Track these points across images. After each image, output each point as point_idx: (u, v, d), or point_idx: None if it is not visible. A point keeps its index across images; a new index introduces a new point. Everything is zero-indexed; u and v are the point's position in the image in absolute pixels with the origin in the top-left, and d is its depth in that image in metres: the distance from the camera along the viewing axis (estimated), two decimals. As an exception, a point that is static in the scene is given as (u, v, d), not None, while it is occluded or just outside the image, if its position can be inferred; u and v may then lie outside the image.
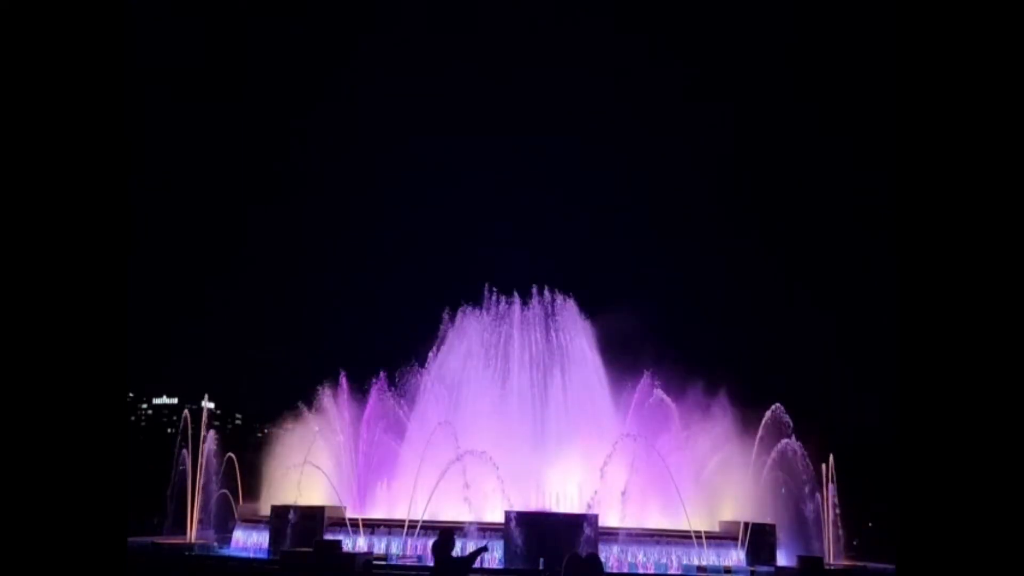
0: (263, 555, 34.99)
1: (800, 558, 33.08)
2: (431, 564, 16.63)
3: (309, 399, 43.48)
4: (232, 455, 43.71)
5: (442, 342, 46.43)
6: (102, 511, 7.99)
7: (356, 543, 33.69)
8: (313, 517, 34.46)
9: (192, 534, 40.57)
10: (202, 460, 42.11)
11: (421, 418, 42.63)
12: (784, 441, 38.63)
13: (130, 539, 32.44)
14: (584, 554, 15.09)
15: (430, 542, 33.22)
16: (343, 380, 43.01)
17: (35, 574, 7.73)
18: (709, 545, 34.98)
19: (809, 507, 39.95)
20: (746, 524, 36.25)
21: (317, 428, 42.23)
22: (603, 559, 19.66)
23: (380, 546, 33.72)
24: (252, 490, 43.08)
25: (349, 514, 35.81)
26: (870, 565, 37.76)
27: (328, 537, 32.65)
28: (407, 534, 33.46)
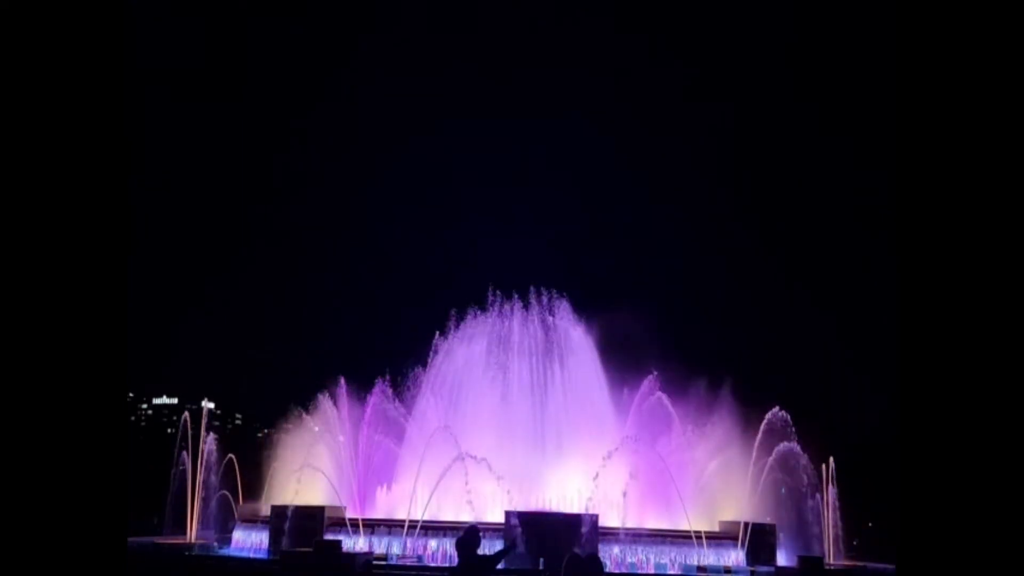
0: (263, 555, 34.99)
1: (800, 558, 33.09)
2: (431, 563, 16.56)
3: (308, 403, 43.49)
4: (232, 456, 43.72)
5: (441, 345, 46.47)
6: (102, 511, 7.99)
7: (356, 543, 33.68)
8: (313, 517, 34.43)
9: (192, 534, 40.58)
10: (202, 461, 42.13)
11: (421, 420, 42.65)
12: (784, 444, 38.62)
13: (130, 539, 32.43)
14: (584, 554, 15.09)
15: (430, 542, 33.61)
16: (342, 385, 42.99)
17: (36, 574, 7.73)
18: (709, 545, 34.99)
19: (809, 508, 39.96)
20: (746, 524, 36.25)
21: (317, 428, 42.24)
22: (603, 559, 19.68)
23: (380, 546, 33.71)
24: (252, 490, 43.08)
25: (349, 514, 35.80)
26: (870, 565, 37.77)
27: (328, 537, 32.63)
28: (407, 534, 33.45)
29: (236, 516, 40.75)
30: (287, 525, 34.06)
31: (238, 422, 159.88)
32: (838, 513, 41.87)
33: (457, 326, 47.18)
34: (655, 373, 42.42)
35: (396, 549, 33.35)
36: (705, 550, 34.71)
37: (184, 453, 42.08)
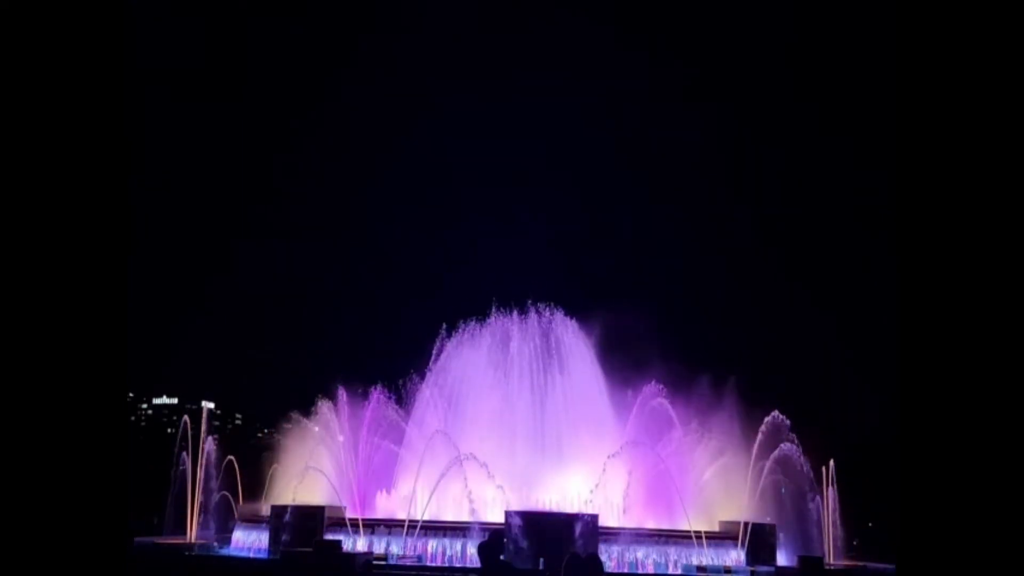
0: (263, 555, 35.00)
1: (800, 558, 33.09)
2: (431, 563, 16.50)
3: (309, 408, 43.57)
4: (232, 458, 43.76)
5: (441, 351, 46.54)
6: (103, 511, 7.99)
7: (356, 543, 33.69)
8: (313, 517, 34.44)
9: (192, 534, 40.59)
10: (202, 462, 42.15)
11: (420, 424, 42.75)
12: (783, 445, 38.59)
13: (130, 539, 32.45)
14: (584, 554, 15.10)
15: (430, 542, 33.65)
16: (342, 393, 43.01)
17: (37, 574, 7.73)
18: (709, 545, 35.00)
19: (809, 508, 39.96)
20: (746, 524, 36.26)
21: (316, 428, 42.31)
22: (603, 559, 19.69)
23: (380, 546, 33.71)
24: (252, 491, 43.11)
25: (348, 514, 35.82)
26: (870, 565, 37.76)
27: (328, 537, 32.64)
28: (407, 534, 33.46)
29: (236, 516, 40.77)
30: (287, 525, 34.07)
31: (238, 422, 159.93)
32: (838, 513, 41.86)
33: (458, 332, 47.25)
34: (656, 383, 42.31)
35: (396, 549, 33.36)
36: (705, 550, 34.72)
37: (184, 454, 42.10)
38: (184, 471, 41.73)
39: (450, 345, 46.68)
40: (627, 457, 36.84)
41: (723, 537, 36.56)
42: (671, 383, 42.41)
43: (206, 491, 41.89)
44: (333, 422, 42.30)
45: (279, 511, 35.03)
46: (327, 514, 35.00)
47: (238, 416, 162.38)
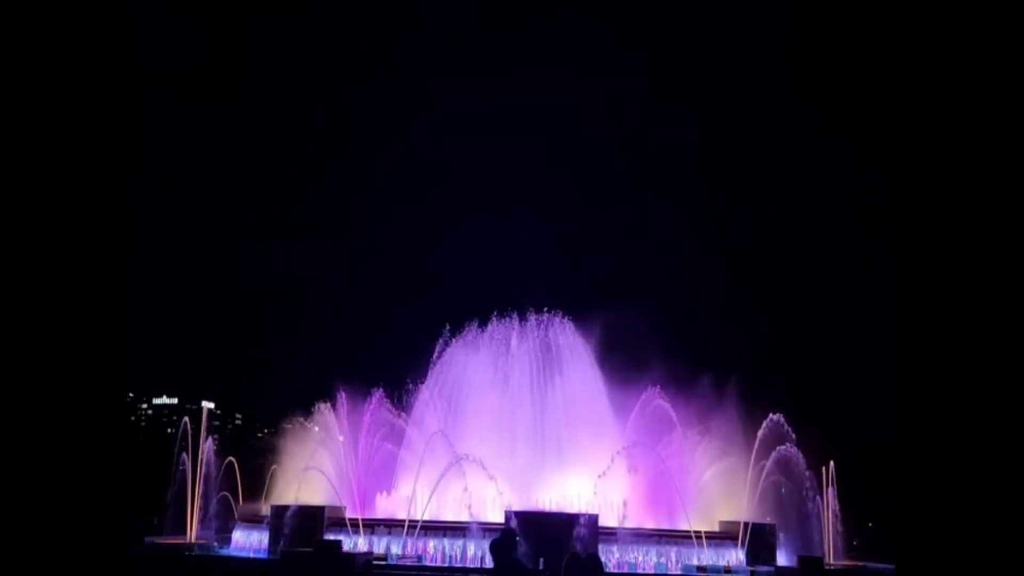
0: (263, 555, 35.00)
1: (800, 558, 33.11)
2: (431, 563, 16.47)
3: (309, 410, 43.61)
4: (232, 459, 43.79)
5: (443, 352, 46.59)
6: (102, 511, 7.99)
7: (356, 543, 33.69)
8: (313, 517, 34.44)
9: (192, 534, 40.60)
10: (201, 462, 42.17)
11: (421, 424, 42.80)
12: (782, 447, 38.60)
13: (130, 539, 32.45)
14: (584, 554, 15.09)
15: (430, 542, 33.64)
16: (342, 397, 43.03)
17: (36, 574, 7.73)
18: (709, 545, 35.01)
19: (809, 508, 39.97)
20: (746, 524, 36.27)
21: (316, 428, 42.36)
22: (603, 559, 19.69)
23: (380, 546, 33.72)
24: (252, 491, 43.13)
25: (348, 514, 35.82)
26: (870, 565, 37.77)
27: (328, 537, 32.64)
28: (407, 534, 33.47)
29: (236, 516, 40.78)
30: (287, 525, 34.08)
31: (238, 422, 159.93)
32: (838, 513, 41.87)
33: (460, 334, 47.32)
34: (657, 387, 42.29)
35: (396, 549, 33.37)
36: (705, 550, 34.73)
37: (184, 454, 42.12)
38: (184, 471, 41.76)
39: (451, 346, 46.76)
40: (625, 466, 36.90)
41: (723, 537, 36.57)
42: (671, 383, 42.44)
43: (206, 491, 41.92)
44: (333, 425, 42.35)
45: (279, 511, 35.05)
46: (327, 514, 35.01)
47: (238, 416, 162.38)
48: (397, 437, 43.34)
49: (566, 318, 47.29)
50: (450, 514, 35.54)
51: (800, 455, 38.49)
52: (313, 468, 37.47)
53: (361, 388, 43.77)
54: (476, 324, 47.41)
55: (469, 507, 33.58)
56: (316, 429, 42.38)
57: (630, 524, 35.02)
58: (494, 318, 47.53)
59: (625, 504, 35.06)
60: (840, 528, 41.92)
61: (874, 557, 40.27)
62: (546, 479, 41.02)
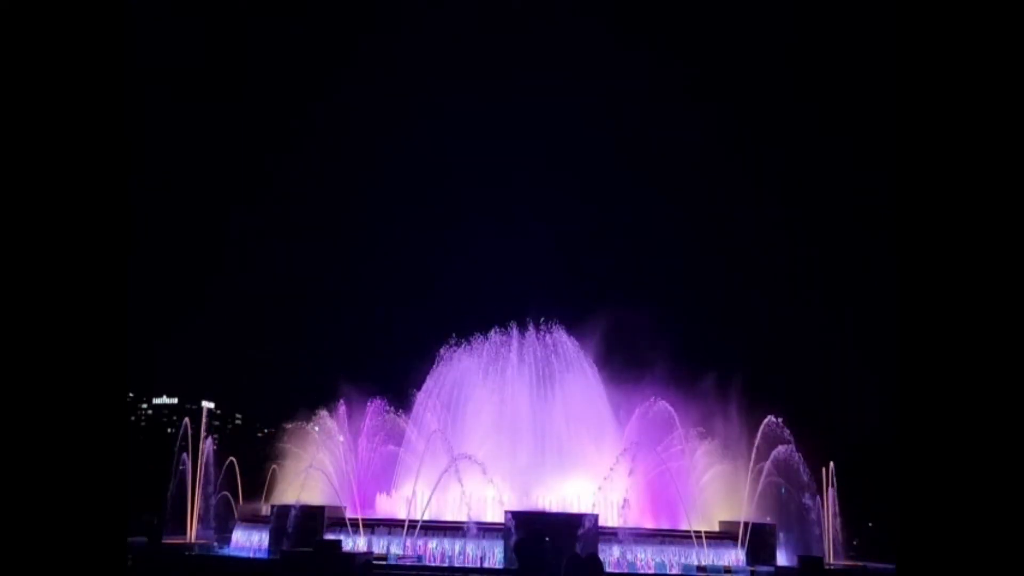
0: (263, 555, 35.02)
1: (800, 558, 33.10)
2: (431, 563, 16.45)
3: (311, 411, 43.73)
4: (233, 459, 43.84)
5: (443, 353, 46.71)
6: (102, 511, 7.99)
7: (356, 543, 33.71)
8: (313, 517, 34.47)
9: (192, 534, 40.61)
10: (201, 462, 42.19)
11: (420, 426, 42.91)
12: (781, 448, 38.60)
13: (129, 539, 32.45)
14: (584, 554, 15.09)
15: (430, 542, 33.63)
16: (342, 406, 43.08)
17: (36, 573, 7.73)
18: (709, 545, 35.01)
19: (809, 509, 39.98)
20: (746, 524, 36.27)
21: (317, 428, 42.44)
22: (603, 559, 19.69)
23: (380, 546, 33.74)
24: (252, 491, 43.16)
25: (349, 514, 35.83)
26: (870, 565, 37.77)
27: (328, 537, 32.66)
28: (407, 534, 33.47)
29: (236, 516, 40.80)
30: (288, 525, 34.10)
31: (238, 422, 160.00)
32: (838, 515, 41.88)
33: (460, 339, 47.46)
34: (656, 399, 42.26)
35: (396, 549, 33.37)
36: (705, 550, 34.73)
37: (184, 454, 42.15)
38: (184, 471, 41.77)
39: (452, 350, 46.92)
40: (626, 468, 36.92)
41: (723, 537, 36.58)
42: (671, 384, 42.48)
43: (205, 491, 41.95)
44: (333, 426, 42.46)
45: (280, 511, 35.08)
46: (327, 514, 35.02)
47: (238, 416, 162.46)
48: (397, 439, 43.44)
49: (566, 322, 47.50)
50: (450, 514, 35.55)
51: (798, 454, 38.51)
52: (314, 468, 37.52)
53: (362, 391, 43.94)
54: (477, 331, 47.63)
55: (467, 505, 33.60)
56: (316, 429, 42.42)
57: (630, 524, 35.02)
58: (495, 327, 47.72)
59: (626, 504, 35.02)
60: (840, 528, 41.93)
61: (874, 557, 40.29)
62: (546, 479, 41.07)
